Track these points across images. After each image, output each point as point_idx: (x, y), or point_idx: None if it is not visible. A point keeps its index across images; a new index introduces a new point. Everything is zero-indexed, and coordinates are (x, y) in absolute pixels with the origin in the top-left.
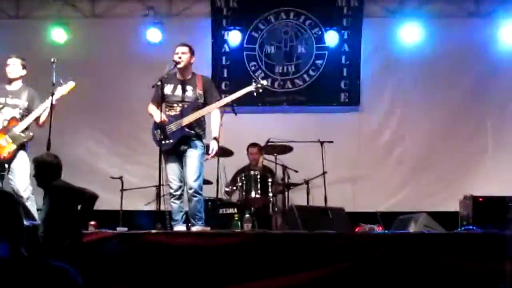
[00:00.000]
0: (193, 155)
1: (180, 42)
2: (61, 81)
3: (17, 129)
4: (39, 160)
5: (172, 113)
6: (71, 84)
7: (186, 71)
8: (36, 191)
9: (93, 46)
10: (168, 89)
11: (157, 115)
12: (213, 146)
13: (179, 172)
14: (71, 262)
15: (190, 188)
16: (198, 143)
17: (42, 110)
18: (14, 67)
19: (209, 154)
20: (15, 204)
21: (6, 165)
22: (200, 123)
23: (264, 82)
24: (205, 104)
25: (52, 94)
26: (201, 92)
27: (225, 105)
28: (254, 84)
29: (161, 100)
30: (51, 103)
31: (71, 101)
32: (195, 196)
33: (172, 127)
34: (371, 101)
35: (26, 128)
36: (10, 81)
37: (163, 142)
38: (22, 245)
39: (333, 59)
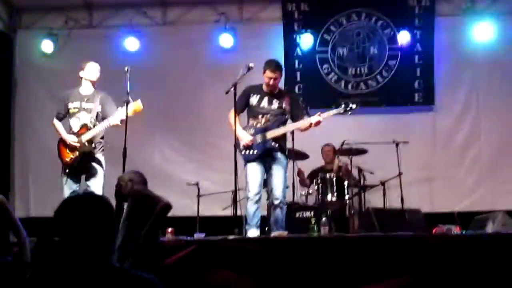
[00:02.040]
0: (279, 168)
1: (271, 63)
2: (130, 99)
3: (84, 138)
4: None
5: (257, 124)
6: (137, 107)
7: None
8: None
9: (166, 54)
10: (253, 100)
11: (243, 135)
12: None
13: (260, 179)
14: (148, 269)
15: (277, 199)
16: (281, 155)
17: (106, 126)
18: (93, 71)
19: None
20: (111, 210)
21: (67, 170)
22: (283, 136)
23: (354, 106)
24: (290, 119)
25: (127, 103)
26: (288, 107)
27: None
28: (343, 106)
29: (244, 110)
30: (123, 119)
31: (145, 109)
32: (281, 207)
33: (257, 138)
34: (445, 101)
35: (94, 137)
36: (84, 85)
37: (247, 152)
38: (112, 254)
39: (406, 59)
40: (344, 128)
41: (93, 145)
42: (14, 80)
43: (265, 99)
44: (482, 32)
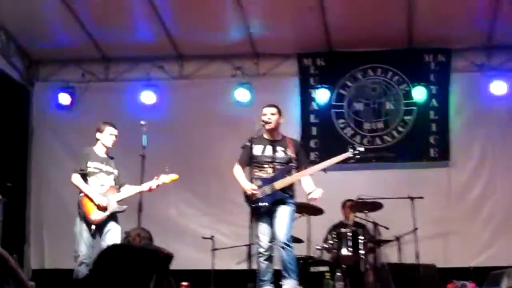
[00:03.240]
0: (283, 211)
1: (268, 103)
2: (167, 169)
3: (113, 198)
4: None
5: (263, 174)
6: (174, 177)
7: (275, 131)
8: None
9: (182, 107)
10: (257, 150)
11: (246, 185)
12: (317, 191)
13: (269, 232)
14: None
15: (280, 241)
16: (289, 200)
17: (139, 190)
18: (110, 138)
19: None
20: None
21: (94, 227)
22: (291, 184)
23: (362, 149)
24: (297, 167)
25: (143, 157)
26: (293, 155)
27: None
28: (351, 150)
29: (249, 162)
30: (156, 186)
31: (161, 162)
32: (285, 248)
33: (267, 190)
34: (460, 156)
35: (121, 200)
36: (99, 147)
37: (258, 204)
38: None
39: (421, 115)
40: (359, 183)
41: (123, 206)
42: (31, 131)
43: (269, 148)
44: (498, 87)
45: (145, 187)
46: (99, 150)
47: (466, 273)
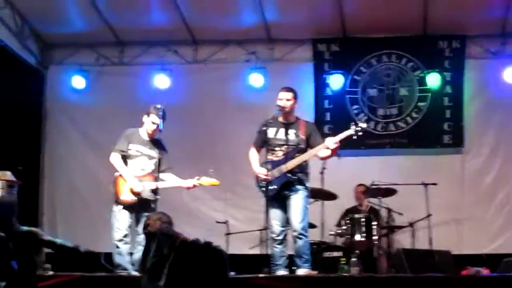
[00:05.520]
0: (297, 198)
1: (284, 87)
2: (211, 172)
3: (148, 185)
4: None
5: (275, 158)
6: (214, 182)
7: (290, 115)
8: None
9: (196, 92)
10: (271, 133)
11: (258, 169)
12: (329, 140)
13: (281, 217)
14: None
15: (295, 231)
16: (300, 187)
17: (178, 185)
18: (152, 126)
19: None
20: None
21: (121, 207)
22: (302, 168)
23: (364, 125)
24: (306, 149)
25: (159, 142)
26: (303, 137)
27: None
28: (353, 127)
29: (264, 144)
30: (193, 185)
31: (174, 146)
32: (301, 238)
33: (275, 173)
34: (474, 142)
35: (156, 189)
36: (144, 130)
37: (266, 188)
38: None
39: (435, 101)
40: (373, 169)
41: (156, 196)
42: (44, 115)
43: (282, 130)
44: None
45: (185, 183)
46: (144, 133)
47: (479, 260)
